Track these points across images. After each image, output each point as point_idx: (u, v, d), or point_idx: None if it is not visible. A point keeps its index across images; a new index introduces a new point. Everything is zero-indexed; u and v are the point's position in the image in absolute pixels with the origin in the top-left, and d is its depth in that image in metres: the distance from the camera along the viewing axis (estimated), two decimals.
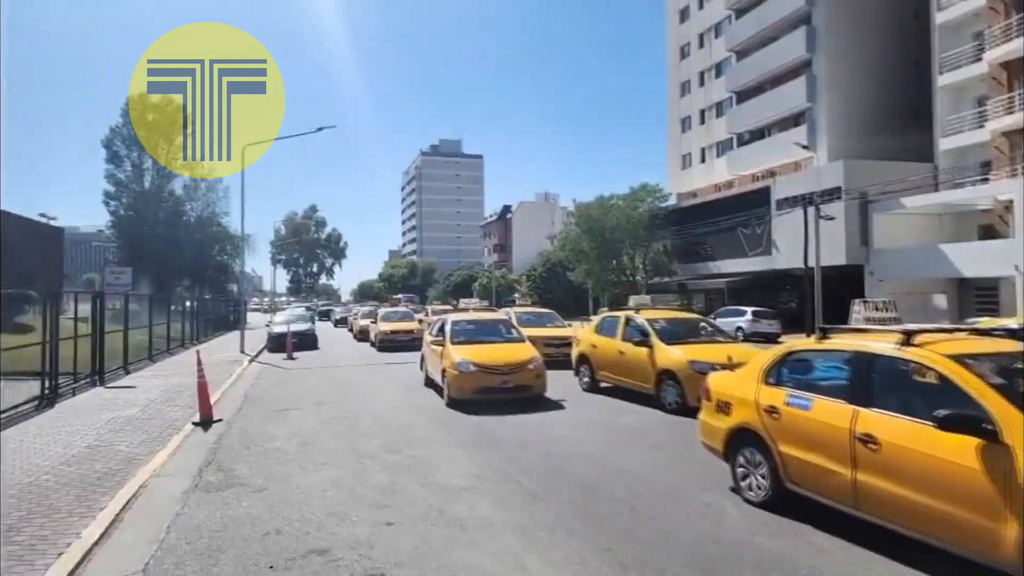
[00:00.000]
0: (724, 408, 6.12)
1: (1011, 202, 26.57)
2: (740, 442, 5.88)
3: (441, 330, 12.63)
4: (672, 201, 45.56)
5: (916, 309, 26.12)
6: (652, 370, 10.93)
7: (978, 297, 26.74)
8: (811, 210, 27.49)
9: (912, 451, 4.26)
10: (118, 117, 43.19)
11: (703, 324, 12.94)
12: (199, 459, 7.55)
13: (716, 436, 6.20)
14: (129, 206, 43.21)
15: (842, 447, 4.75)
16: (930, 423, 4.17)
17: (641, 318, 12.01)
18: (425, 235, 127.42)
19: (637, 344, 11.43)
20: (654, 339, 11.22)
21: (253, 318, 45.69)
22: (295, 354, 21.49)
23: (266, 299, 76.53)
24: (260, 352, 22.86)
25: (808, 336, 25.01)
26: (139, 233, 42.26)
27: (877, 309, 24.50)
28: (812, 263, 27.32)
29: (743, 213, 36.03)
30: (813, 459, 5.03)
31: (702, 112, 47.95)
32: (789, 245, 31.28)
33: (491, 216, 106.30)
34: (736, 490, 5.94)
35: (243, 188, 42.45)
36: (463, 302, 38.93)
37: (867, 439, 4.55)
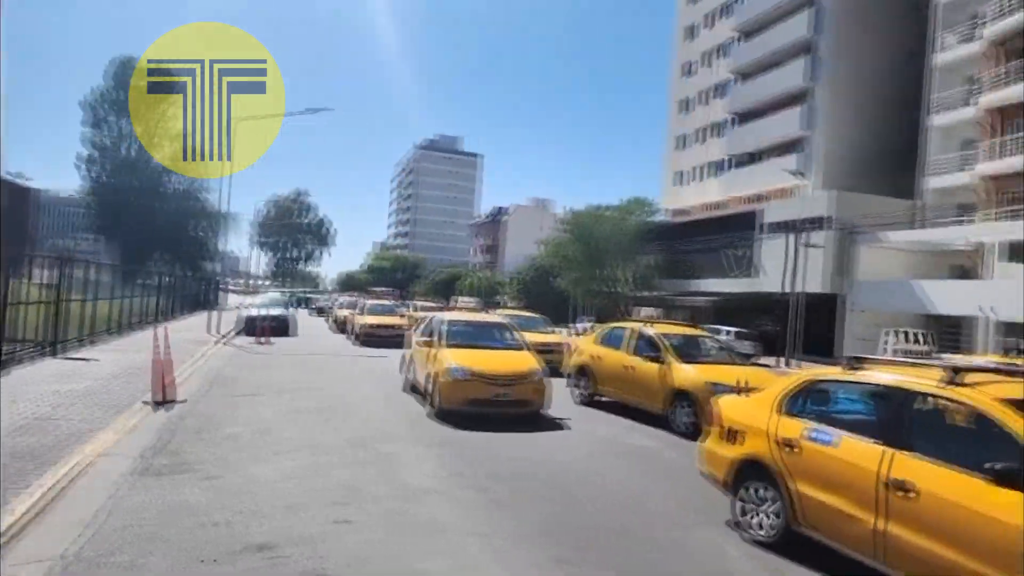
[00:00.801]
0: (732, 436, 5.62)
1: (983, 245, 27.13)
2: (748, 475, 5.37)
3: (432, 330, 11.47)
4: (662, 217, 45.65)
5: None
6: (664, 389, 10.25)
7: (944, 334, 26.97)
8: (805, 236, 27.72)
9: (954, 504, 3.84)
10: (101, 79, 41.81)
11: (711, 342, 12.36)
12: (152, 440, 7.09)
13: (720, 466, 5.66)
14: (107, 172, 41.93)
15: (871, 492, 4.31)
16: (978, 474, 3.77)
17: (653, 331, 11.34)
18: (413, 229, 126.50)
19: (649, 359, 10.76)
20: (669, 356, 10.53)
21: (230, 299, 44.83)
22: (272, 340, 21.01)
23: (247, 281, 75.22)
24: (231, 334, 22.27)
25: (780, 360, 25.28)
26: (115, 201, 40.93)
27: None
28: (794, 288, 27.44)
29: (731, 234, 36.12)
30: (834, 502, 4.57)
31: (698, 131, 48.10)
32: (775, 269, 31.40)
33: (483, 216, 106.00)
34: (737, 526, 5.44)
35: (228, 164, 40.61)
36: (461, 301, 37.86)
37: (901, 486, 4.12)
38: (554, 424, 9.94)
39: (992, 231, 26.51)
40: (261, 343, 20.09)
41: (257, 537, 4.60)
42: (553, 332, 19.06)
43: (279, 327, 23.51)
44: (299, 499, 5.49)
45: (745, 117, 42.78)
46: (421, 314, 19.22)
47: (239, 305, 28.07)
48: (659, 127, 52.91)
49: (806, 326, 27.63)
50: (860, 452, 4.48)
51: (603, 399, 11.98)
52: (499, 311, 21.45)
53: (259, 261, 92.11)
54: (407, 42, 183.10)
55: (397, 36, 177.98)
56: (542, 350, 15.52)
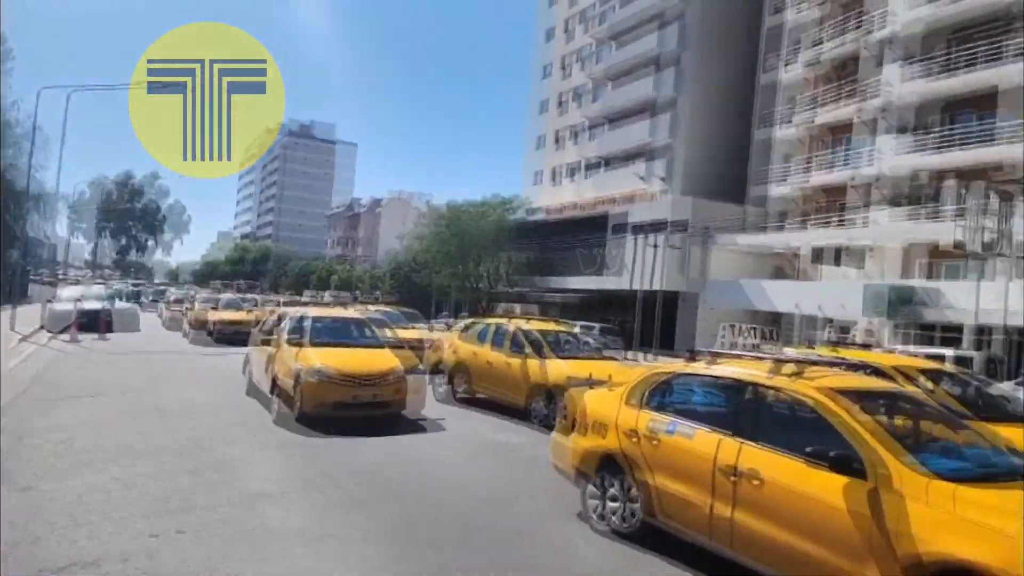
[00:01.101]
0: (585, 429, 5.56)
1: (799, 249, 31.00)
2: (601, 467, 5.35)
3: (289, 327, 10.58)
4: (527, 215, 46.58)
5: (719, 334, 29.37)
6: (528, 383, 10.32)
7: (765, 327, 30.39)
8: (653, 237, 29.87)
9: (793, 490, 4.01)
10: None
11: (573, 337, 12.62)
12: None
13: (572, 458, 5.59)
14: None
15: (720, 481, 4.38)
16: (813, 461, 3.97)
17: (519, 327, 11.50)
18: (278, 219, 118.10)
19: (514, 355, 10.83)
20: (532, 351, 10.68)
21: (50, 292, 39.49)
22: (107, 336, 19.34)
23: (65, 271, 66.31)
24: (42, 331, 19.80)
25: (630, 353, 27.16)
26: None
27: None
28: (645, 286, 29.52)
29: (593, 234, 37.72)
30: (685, 492, 4.62)
31: (556, 132, 49.49)
32: (630, 268, 33.24)
33: (343, 208, 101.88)
34: (589, 518, 5.39)
35: (34, 135, 31.66)
36: (328, 295, 36.11)
37: (747, 474, 4.23)
38: (420, 424, 9.62)
39: (808, 237, 30.35)
40: (78, 341, 18.02)
41: (68, 554, 4.15)
42: (425, 328, 18.91)
43: (101, 323, 21.26)
44: (121, 510, 5.03)
45: (599, 122, 44.51)
46: (273, 309, 18.25)
47: (52, 298, 24.96)
48: (532, 127, 53.51)
49: (655, 321, 29.77)
50: (710, 443, 4.56)
51: (473, 396, 11.80)
52: (369, 306, 20.89)
53: (95, 250, 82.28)
54: (277, 23, 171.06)
55: (269, 18, 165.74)
56: (414, 347, 15.21)
